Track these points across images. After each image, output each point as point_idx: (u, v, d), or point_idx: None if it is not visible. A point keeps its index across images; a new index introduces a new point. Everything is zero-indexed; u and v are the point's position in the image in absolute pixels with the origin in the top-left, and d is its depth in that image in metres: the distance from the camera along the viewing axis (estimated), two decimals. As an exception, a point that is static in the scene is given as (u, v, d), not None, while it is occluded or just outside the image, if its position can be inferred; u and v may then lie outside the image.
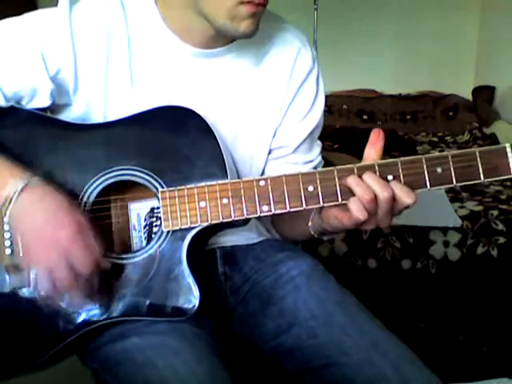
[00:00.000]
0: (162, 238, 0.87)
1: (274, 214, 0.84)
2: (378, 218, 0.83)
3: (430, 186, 0.82)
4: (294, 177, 0.84)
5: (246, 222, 0.87)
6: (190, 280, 0.86)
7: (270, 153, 1.03)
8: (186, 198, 0.84)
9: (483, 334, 1.82)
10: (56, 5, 0.91)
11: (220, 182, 0.85)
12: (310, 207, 0.83)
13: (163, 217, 0.85)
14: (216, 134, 0.88)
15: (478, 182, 0.82)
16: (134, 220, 0.92)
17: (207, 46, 0.94)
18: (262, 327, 0.98)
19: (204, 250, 0.99)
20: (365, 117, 3.28)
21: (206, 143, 0.88)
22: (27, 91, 0.90)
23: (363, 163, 0.83)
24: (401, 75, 3.42)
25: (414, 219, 1.80)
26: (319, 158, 1.08)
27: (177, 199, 0.85)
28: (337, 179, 0.82)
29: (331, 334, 0.92)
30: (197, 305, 0.86)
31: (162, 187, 0.86)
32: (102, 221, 0.90)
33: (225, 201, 0.84)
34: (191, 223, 0.85)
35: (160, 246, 0.87)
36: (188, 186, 0.85)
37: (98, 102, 0.92)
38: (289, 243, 1.09)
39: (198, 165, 0.87)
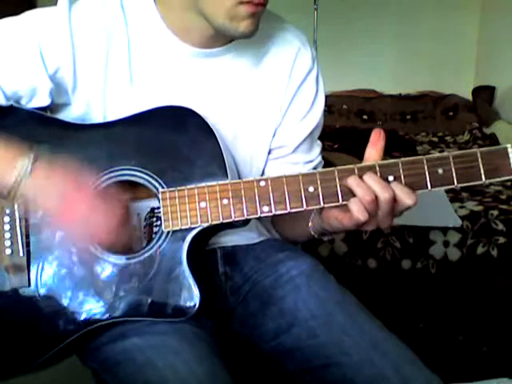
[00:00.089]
0: (163, 238, 0.87)
1: (274, 215, 0.84)
2: (379, 219, 0.83)
3: (431, 186, 0.82)
4: (295, 177, 0.83)
5: (246, 222, 0.87)
6: (191, 280, 0.86)
7: (269, 153, 1.03)
8: (187, 198, 0.84)
9: (483, 334, 1.82)
10: (55, 4, 0.91)
11: (220, 182, 0.85)
12: (310, 208, 0.83)
13: (163, 217, 0.85)
14: (216, 133, 0.88)
15: (479, 183, 0.82)
16: (134, 220, 0.92)
17: (206, 45, 0.93)
18: (262, 327, 0.98)
19: (204, 250, 0.98)
20: (365, 117, 3.28)
21: (206, 143, 0.88)
22: (26, 90, 0.90)
23: (364, 164, 0.83)
24: (401, 75, 3.43)
25: (414, 219, 1.80)
26: (319, 158, 1.08)
27: (177, 199, 0.85)
28: (337, 180, 0.82)
29: (331, 333, 0.92)
30: (197, 305, 0.86)
31: (163, 187, 0.86)
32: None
33: (225, 201, 0.84)
34: (191, 224, 0.85)
35: (160, 247, 0.87)
36: (188, 187, 0.85)
37: (98, 101, 0.92)
38: (289, 243, 1.09)
39: (198, 164, 0.87)
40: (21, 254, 0.88)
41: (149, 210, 0.93)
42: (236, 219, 0.84)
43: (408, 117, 3.28)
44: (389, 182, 0.81)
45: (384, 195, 0.80)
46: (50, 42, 0.88)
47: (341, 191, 0.82)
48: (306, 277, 0.98)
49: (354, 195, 0.81)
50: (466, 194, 2.08)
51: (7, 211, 0.89)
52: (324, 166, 1.06)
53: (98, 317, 0.87)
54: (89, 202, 0.82)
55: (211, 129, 0.88)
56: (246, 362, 1.07)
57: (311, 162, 1.06)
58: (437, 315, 1.85)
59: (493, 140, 2.74)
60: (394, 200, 0.81)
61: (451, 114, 3.23)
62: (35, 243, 0.89)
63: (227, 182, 0.85)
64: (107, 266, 0.87)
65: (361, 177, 0.81)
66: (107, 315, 0.87)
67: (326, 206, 0.83)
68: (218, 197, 0.84)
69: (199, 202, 0.84)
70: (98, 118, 0.93)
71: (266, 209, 0.84)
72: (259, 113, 0.99)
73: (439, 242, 1.86)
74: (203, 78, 0.95)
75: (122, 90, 0.92)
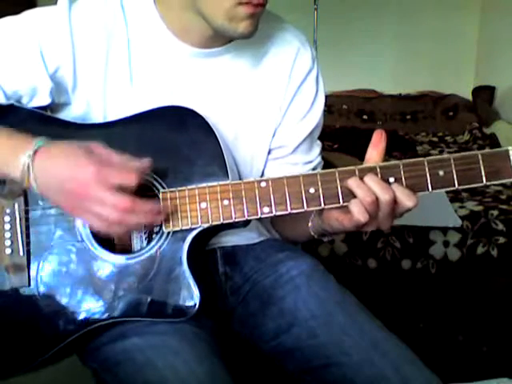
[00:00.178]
0: (163, 238, 0.87)
1: (274, 216, 0.84)
2: (379, 220, 0.83)
3: (432, 188, 0.82)
4: (295, 178, 0.83)
5: (246, 223, 0.87)
6: (191, 280, 0.86)
7: (269, 153, 1.03)
8: (187, 198, 0.84)
9: (483, 334, 1.82)
10: (55, 3, 0.91)
11: (221, 182, 0.85)
12: (310, 209, 0.83)
13: (164, 217, 0.85)
14: (217, 133, 0.88)
15: (480, 185, 0.81)
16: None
17: (206, 45, 0.93)
18: (262, 327, 0.98)
19: (204, 250, 0.98)
20: (365, 117, 3.28)
21: (207, 143, 0.88)
22: (27, 90, 0.90)
23: (365, 165, 0.83)
24: (401, 75, 3.43)
25: (413, 219, 1.80)
26: (319, 159, 1.07)
27: (178, 200, 0.85)
28: (338, 181, 0.82)
29: (331, 333, 0.92)
30: (197, 305, 0.86)
31: (163, 187, 0.86)
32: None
33: (226, 202, 0.84)
34: (192, 224, 0.84)
35: (160, 247, 0.87)
36: (189, 187, 0.85)
37: (98, 101, 0.92)
38: (289, 243, 1.09)
39: (199, 164, 0.87)
40: (21, 253, 0.88)
41: (149, 210, 0.93)
42: (236, 220, 0.84)
43: (408, 117, 3.28)
44: (390, 184, 0.81)
45: (385, 197, 0.80)
46: (50, 41, 0.88)
47: (341, 192, 0.82)
48: (305, 277, 0.98)
49: (354, 196, 0.81)
50: (466, 194, 2.08)
51: (7, 211, 0.89)
52: (324, 167, 1.06)
53: (97, 317, 0.87)
54: (97, 172, 0.78)
55: (212, 129, 0.88)
56: (246, 361, 1.07)
57: (311, 162, 1.06)
58: (437, 315, 1.85)
59: (493, 140, 2.74)
60: (395, 202, 0.81)
61: (451, 114, 3.23)
62: (35, 243, 0.89)
63: (228, 182, 0.85)
64: (107, 266, 0.87)
65: (361, 178, 0.81)
66: (107, 315, 0.87)
67: (326, 207, 0.83)
68: (219, 197, 0.84)
69: (200, 203, 0.84)
70: (98, 117, 0.93)
71: (266, 210, 0.84)
72: (259, 113, 0.99)
73: (439, 242, 1.86)
74: (203, 78, 0.95)
75: (122, 90, 0.92)
